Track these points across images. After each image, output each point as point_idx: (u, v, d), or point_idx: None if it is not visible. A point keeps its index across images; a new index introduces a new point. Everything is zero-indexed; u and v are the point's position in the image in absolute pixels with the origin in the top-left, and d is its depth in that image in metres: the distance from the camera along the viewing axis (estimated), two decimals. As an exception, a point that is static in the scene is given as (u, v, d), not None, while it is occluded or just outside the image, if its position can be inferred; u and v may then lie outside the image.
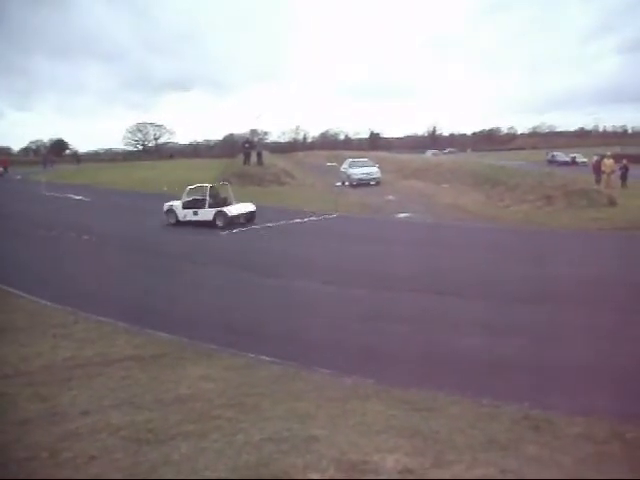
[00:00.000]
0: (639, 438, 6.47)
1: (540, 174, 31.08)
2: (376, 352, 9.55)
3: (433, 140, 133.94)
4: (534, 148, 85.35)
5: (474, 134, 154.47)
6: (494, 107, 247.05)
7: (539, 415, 6.95)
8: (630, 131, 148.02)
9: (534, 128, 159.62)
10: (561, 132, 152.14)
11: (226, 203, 23.69)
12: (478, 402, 7.30)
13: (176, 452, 5.31)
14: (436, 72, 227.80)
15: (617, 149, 67.37)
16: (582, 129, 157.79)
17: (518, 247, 18.51)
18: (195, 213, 23.43)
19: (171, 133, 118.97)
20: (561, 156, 68.37)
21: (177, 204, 23.91)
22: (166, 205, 24.23)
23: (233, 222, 22.72)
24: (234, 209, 23.34)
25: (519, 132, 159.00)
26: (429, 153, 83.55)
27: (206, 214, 23.18)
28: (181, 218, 23.51)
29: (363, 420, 6.49)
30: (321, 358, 9.11)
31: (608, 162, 34.96)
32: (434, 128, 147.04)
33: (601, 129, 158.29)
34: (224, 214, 22.92)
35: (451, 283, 13.96)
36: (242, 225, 22.88)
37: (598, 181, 33.73)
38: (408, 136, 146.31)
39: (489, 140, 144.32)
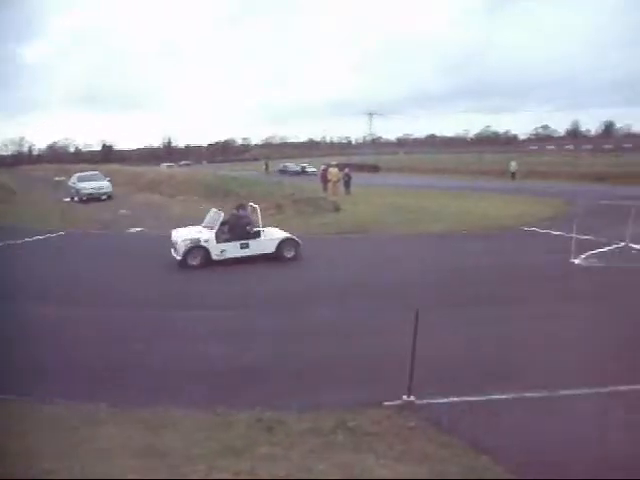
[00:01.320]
0: (360, 425, 6.99)
1: (270, 183, 32.24)
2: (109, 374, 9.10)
3: (169, 152, 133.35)
4: (267, 158, 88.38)
5: (210, 145, 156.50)
6: (229, 119, 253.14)
7: (272, 417, 7.19)
8: (354, 142, 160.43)
9: (267, 139, 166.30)
10: (292, 143, 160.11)
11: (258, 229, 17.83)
12: (213, 412, 7.36)
13: None
14: (171, 83, 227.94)
15: (344, 159, 72.51)
16: (311, 140, 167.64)
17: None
18: (244, 246, 17.28)
19: None
20: (292, 166, 71.38)
21: (207, 237, 17.06)
22: (183, 242, 16.83)
23: None
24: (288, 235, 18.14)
25: (253, 143, 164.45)
26: (164, 165, 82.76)
27: (263, 245, 17.47)
28: (216, 256, 17.04)
29: (98, 446, 6.28)
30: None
31: (333, 171, 37.21)
32: (169, 140, 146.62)
33: (328, 140, 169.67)
34: (296, 243, 17.75)
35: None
36: None
37: (325, 189, 35.70)
38: (143, 148, 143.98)
39: (224, 151, 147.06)
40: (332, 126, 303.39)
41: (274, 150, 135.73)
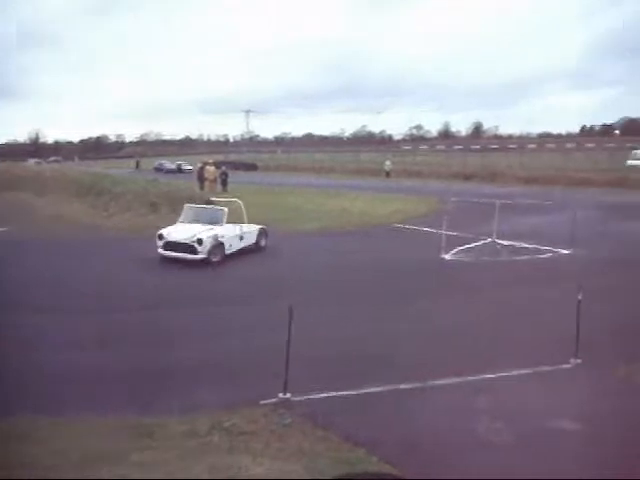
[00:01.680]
0: (236, 425, 6.97)
1: (146, 182, 31.40)
2: None
3: (36, 148, 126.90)
4: (143, 156, 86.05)
5: (82, 142, 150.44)
6: (102, 114, 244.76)
7: (152, 421, 7.07)
8: (231, 140, 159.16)
9: (142, 136, 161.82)
10: (168, 140, 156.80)
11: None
12: (89, 419, 7.09)
13: None
14: (39, 73, 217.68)
15: (221, 157, 71.93)
16: (188, 137, 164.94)
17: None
18: (241, 238, 17.84)
19: None
20: (168, 164, 69.85)
21: (223, 232, 17.02)
22: (208, 239, 16.44)
23: None
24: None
25: (128, 140, 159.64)
26: (31, 162, 78.87)
27: (251, 237, 18.52)
28: (228, 250, 17.14)
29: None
30: None
31: (210, 169, 36.92)
32: (37, 135, 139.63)
33: (205, 138, 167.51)
34: (266, 233, 19.23)
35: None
36: None
37: (202, 187, 35.25)
38: (7, 143, 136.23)
39: (97, 148, 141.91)
40: (209, 123, 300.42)
41: (149, 147, 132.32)
